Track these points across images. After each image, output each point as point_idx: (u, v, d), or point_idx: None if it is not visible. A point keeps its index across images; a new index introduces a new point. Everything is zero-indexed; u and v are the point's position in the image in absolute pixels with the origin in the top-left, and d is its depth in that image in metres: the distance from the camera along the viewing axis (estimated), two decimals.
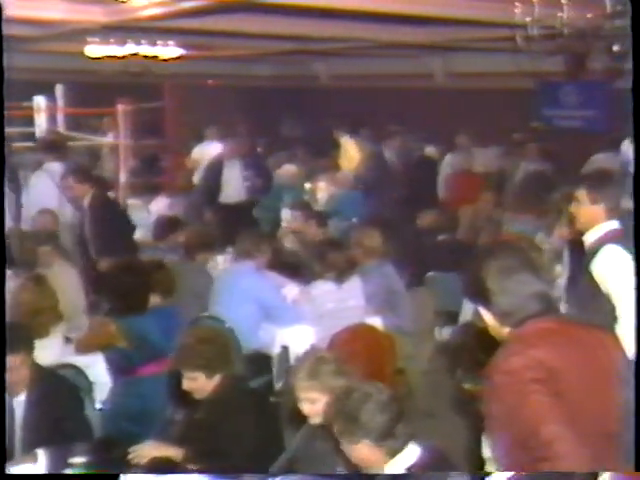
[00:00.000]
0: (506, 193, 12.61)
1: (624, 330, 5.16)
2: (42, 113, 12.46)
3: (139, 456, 4.78)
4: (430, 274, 8.91)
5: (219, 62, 17.89)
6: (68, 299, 7.01)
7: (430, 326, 8.31)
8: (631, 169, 11.53)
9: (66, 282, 7.40)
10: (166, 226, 9.47)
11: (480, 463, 3.44)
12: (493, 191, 11.64)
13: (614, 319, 5.20)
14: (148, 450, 4.85)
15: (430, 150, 14.28)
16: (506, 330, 3.31)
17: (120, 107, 12.24)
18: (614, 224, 5.39)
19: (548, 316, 3.29)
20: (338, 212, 11.07)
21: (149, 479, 4.38)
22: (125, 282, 6.49)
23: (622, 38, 7.46)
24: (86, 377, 5.83)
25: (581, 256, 5.62)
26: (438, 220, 10.43)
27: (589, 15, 7.48)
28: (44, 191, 9.58)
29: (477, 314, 3.39)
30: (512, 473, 3.05)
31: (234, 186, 12.24)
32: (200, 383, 4.99)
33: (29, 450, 4.82)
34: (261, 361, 7.04)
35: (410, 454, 3.83)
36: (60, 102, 12.97)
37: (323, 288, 7.41)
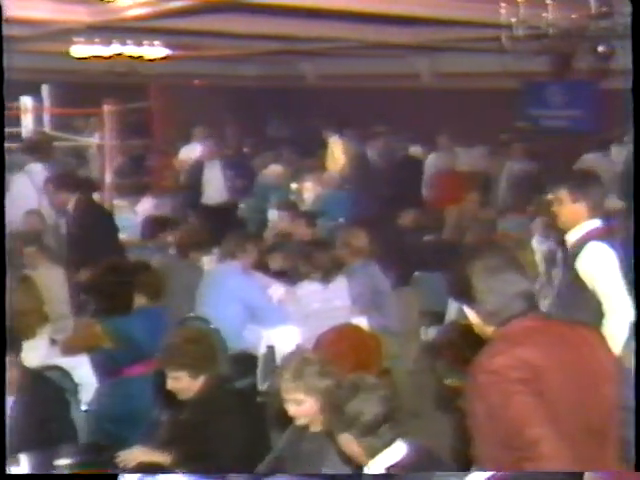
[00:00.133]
0: (494, 193, 12.67)
1: (611, 326, 5.23)
2: (29, 113, 12.43)
3: (126, 460, 4.78)
4: (416, 274, 8.93)
5: (205, 62, 17.86)
6: (54, 300, 7.00)
7: (416, 326, 8.32)
8: (618, 169, 11.65)
9: (52, 283, 7.38)
10: (155, 226, 9.47)
11: (466, 462, 3.45)
12: (479, 191, 11.67)
13: (600, 315, 5.26)
14: (135, 455, 4.85)
15: (416, 150, 14.30)
16: (491, 329, 3.32)
17: (106, 107, 12.20)
18: (596, 222, 5.46)
19: (533, 315, 3.30)
20: (324, 212, 11.07)
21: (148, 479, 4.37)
22: (110, 283, 6.47)
23: (607, 39, 7.50)
24: (72, 379, 5.82)
25: (565, 255, 5.67)
26: (424, 220, 10.46)
27: (574, 16, 7.50)
28: (24, 193, 9.54)
29: (462, 313, 3.40)
30: (492, 472, 3.05)
31: (215, 187, 12.23)
32: (184, 383, 4.99)
33: (15, 452, 4.81)
34: (247, 361, 7.04)
35: (396, 452, 3.84)
36: (46, 102, 12.95)
37: (309, 288, 7.42)
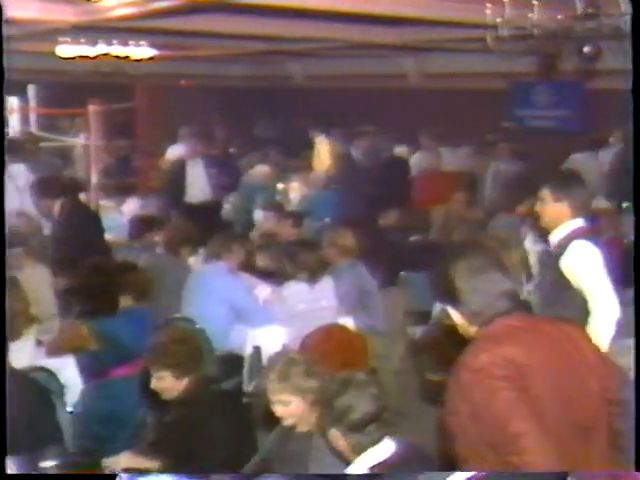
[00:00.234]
0: (481, 193, 12.69)
1: (597, 324, 5.27)
2: (14, 114, 12.40)
3: (113, 466, 4.77)
4: (402, 274, 8.94)
5: (192, 62, 17.83)
6: (40, 301, 6.98)
7: (402, 326, 8.33)
8: (605, 170, 11.66)
9: (37, 284, 7.36)
10: (141, 225, 9.47)
11: (452, 461, 3.45)
12: (465, 191, 11.69)
13: (586, 314, 5.29)
14: (122, 461, 4.83)
15: (402, 150, 14.30)
16: (474, 329, 3.33)
17: (91, 107, 12.18)
18: (579, 222, 5.51)
19: (517, 314, 3.31)
20: (311, 212, 11.08)
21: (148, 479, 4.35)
22: (95, 283, 6.46)
23: (593, 39, 7.52)
24: (57, 380, 5.80)
25: (550, 254, 5.72)
26: (410, 220, 10.47)
27: (560, 16, 7.52)
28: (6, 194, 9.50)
29: (446, 313, 3.40)
30: (475, 472, 3.05)
31: (198, 186, 12.20)
32: (168, 383, 4.98)
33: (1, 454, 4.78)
34: (233, 362, 7.04)
35: (384, 450, 3.85)
36: (32, 102, 12.91)
37: (295, 289, 7.42)
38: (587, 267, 5.39)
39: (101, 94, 12.62)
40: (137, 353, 5.82)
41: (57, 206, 8.78)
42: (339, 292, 7.58)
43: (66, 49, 12.46)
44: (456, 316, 3.37)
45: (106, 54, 12.59)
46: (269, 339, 7.16)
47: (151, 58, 13.23)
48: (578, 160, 12.51)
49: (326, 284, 7.51)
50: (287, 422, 4.57)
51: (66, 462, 4.66)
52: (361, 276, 7.85)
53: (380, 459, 3.82)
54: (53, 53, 12.68)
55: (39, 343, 6.44)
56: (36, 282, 7.38)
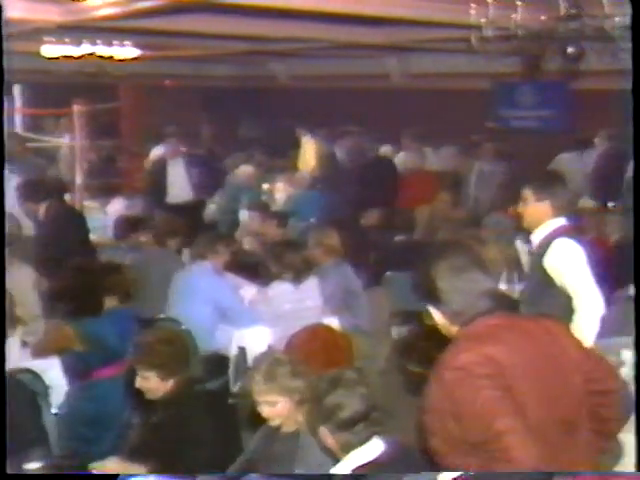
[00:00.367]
0: (465, 193, 12.73)
1: (581, 321, 5.30)
2: None
3: (100, 469, 4.76)
4: (387, 274, 8.94)
5: (176, 62, 17.80)
6: (25, 302, 6.96)
7: (387, 326, 8.33)
8: (589, 170, 11.66)
9: (23, 285, 7.34)
10: (127, 226, 9.47)
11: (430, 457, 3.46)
12: (449, 191, 11.72)
13: (570, 311, 5.33)
14: (109, 467, 4.82)
15: (386, 150, 14.32)
16: (456, 328, 3.33)
17: (76, 108, 12.15)
18: (562, 221, 5.55)
19: (498, 313, 3.32)
20: (296, 212, 11.08)
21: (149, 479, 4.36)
22: (80, 284, 6.46)
23: (576, 40, 7.55)
24: (43, 382, 5.79)
25: (532, 253, 5.77)
26: (394, 220, 10.48)
27: (543, 17, 7.54)
28: None
29: (427, 313, 3.41)
30: (461, 472, 3.06)
31: (179, 185, 12.16)
32: (153, 383, 4.97)
33: None
34: (218, 362, 7.03)
35: (372, 449, 3.85)
36: (18, 103, 12.87)
37: (280, 289, 7.42)
38: (570, 264, 5.44)
39: (85, 94, 12.59)
40: (122, 354, 5.82)
41: (42, 208, 8.77)
42: (324, 292, 7.59)
43: (51, 49, 12.42)
44: (437, 316, 3.38)
45: (90, 54, 12.57)
46: (254, 339, 7.17)
47: (135, 58, 13.21)
48: (564, 160, 12.59)
49: (311, 284, 7.52)
50: (274, 423, 4.58)
51: (51, 464, 4.65)
52: (346, 276, 7.86)
53: (369, 458, 3.82)
54: (38, 53, 12.64)
55: (24, 344, 6.42)
56: (21, 283, 7.36)
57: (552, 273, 5.48)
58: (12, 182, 9.50)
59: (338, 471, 3.87)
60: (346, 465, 3.85)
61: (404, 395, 6.16)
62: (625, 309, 7.25)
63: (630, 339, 6.35)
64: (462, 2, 7.96)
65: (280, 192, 12.52)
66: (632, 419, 5.01)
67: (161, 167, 12.39)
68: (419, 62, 15.73)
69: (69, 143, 12.52)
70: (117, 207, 11.71)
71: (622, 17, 7.05)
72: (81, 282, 6.48)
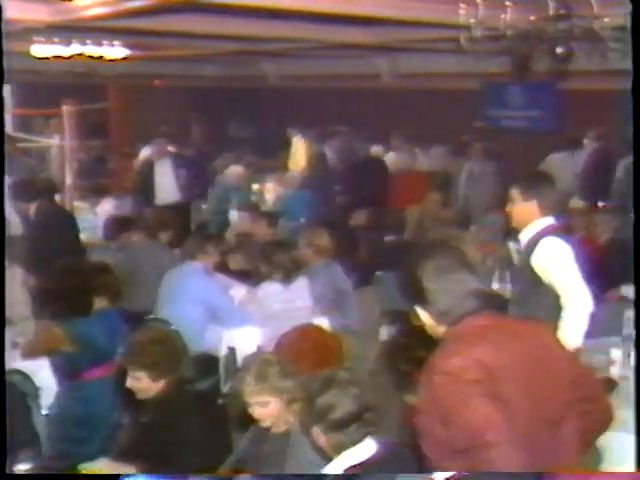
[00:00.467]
0: (454, 193, 12.75)
1: (569, 319, 5.33)
2: None
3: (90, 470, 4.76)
4: (377, 274, 8.95)
5: (165, 62, 17.80)
6: (14, 303, 6.94)
7: (377, 326, 8.34)
8: (579, 170, 11.66)
9: (12, 286, 7.32)
10: (116, 226, 9.47)
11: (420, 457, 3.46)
12: (439, 191, 11.73)
13: (558, 309, 5.35)
14: (99, 468, 4.82)
15: (377, 150, 14.34)
16: (443, 329, 3.33)
17: (65, 108, 12.13)
18: (549, 220, 5.59)
19: (486, 313, 3.31)
20: (286, 212, 11.08)
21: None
22: (69, 285, 6.44)
23: (565, 40, 7.56)
24: (33, 383, 5.78)
25: (520, 252, 5.80)
26: (385, 220, 10.50)
27: (532, 18, 7.55)
28: None
29: (415, 313, 3.40)
30: (453, 472, 3.06)
31: (166, 186, 12.15)
32: (144, 383, 4.97)
33: None
34: (208, 363, 7.03)
35: (365, 450, 3.85)
36: (8, 103, 12.83)
37: (270, 289, 7.41)
38: (557, 263, 5.48)
39: (75, 94, 12.57)
40: (111, 354, 5.82)
41: (33, 208, 8.76)
42: (314, 292, 7.59)
43: (40, 49, 12.41)
44: (425, 316, 3.37)
45: (80, 54, 12.56)
46: (244, 340, 7.16)
47: (125, 58, 13.20)
48: (554, 161, 12.62)
49: (301, 284, 7.51)
50: (265, 424, 4.58)
51: (41, 465, 4.65)
52: (336, 276, 7.86)
53: (361, 459, 3.82)
54: (27, 53, 12.62)
55: (14, 345, 6.41)
56: (11, 283, 7.33)
57: (540, 272, 5.52)
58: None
59: (330, 471, 3.87)
60: (338, 465, 3.86)
61: (394, 394, 6.17)
62: (615, 309, 7.29)
63: (619, 339, 6.41)
64: (451, 2, 7.96)
65: (270, 192, 12.53)
66: (631, 419, 5.05)
67: (148, 168, 12.38)
68: (408, 62, 15.75)
69: (59, 143, 12.49)
70: (107, 208, 11.70)
71: (611, 18, 7.08)
72: (70, 282, 6.46)
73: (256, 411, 4.56)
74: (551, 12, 7.28)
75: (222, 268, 8.07)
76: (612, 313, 7.23)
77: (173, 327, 6.64)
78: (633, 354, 6.01)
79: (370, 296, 8.41)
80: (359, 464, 3.79)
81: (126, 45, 12.90)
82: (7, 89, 12.82)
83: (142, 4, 9.08)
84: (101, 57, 12.78)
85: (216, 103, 18.74)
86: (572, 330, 5.34)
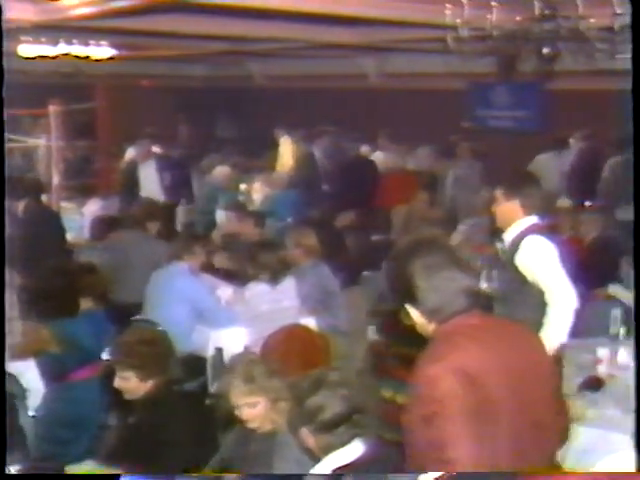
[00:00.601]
0: (442, 192, 12.77)
1: (553, 316, 5.36)
2: None
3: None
4: (365, 273, 8.96)
5: (152, 62, 17.78)
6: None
7: (365, 325, 8.34)
8: (565, 169, 11.70)
9: None
10: (103, 226, 9.46)
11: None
12: (426, 191, 11.75)
13: (543, 307, 5.38)
14: (86, 469, 4.81)
15: (366, 150, 14.35)
16: (432, 326, 3.31)
17: (52, 108, 12.10)
18: (533, 219, 5.63)
19: (474, 312, 3.30)
20: (273, 212, 11.08)
21: None
22: (56, 285, 6.43)
23: (551, 41, 7.58)
24: (20, 384, 5.76)
25: (505, 252, 5.84)
26: (372, 220, 10.52)
27: (518, 18, 7.57)
28: None
29: (405, 311, 3.39)
30: (442, 473, 3.07)
31: (150, 188, 12.10)
32: (132, 384, 4.96)
33: None
34: (195, 363, 7.02)
35: (353, 451, 3.84)
36: None
37: (257, 289, 7.41)
38: (540, 260, 5.52)
39: (62, 94, 12.54)
40: (97, 355, 5.81)
41: (21, 207, 8.75)
42: (301, 292, 7.59)
43: (27, 49, 12.37)
44: (415, 314, 3.35)
45: (67, 54, 12.53)
46: (231, 340, 7.16)
47: (111, 58, 13.18)
48: (542, 160, 12.66)
49: (288, 284, 7.51)
50: (253, 424, 4.57)
51: (29, 467, 4.64)
52: (324, 276, 7.86)
53: (349, 460, 3.81)
54: (14, 53, 12.57)
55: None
56: None
57: (524, 270, 5.56)
58: None
59: (317, 472, 3.87)
60: (326, 466, 3.86)
61: (381, 394, 6.18)
62: (601, 308, 7.32)
63: (606, 338, 6.44)
64: (438, 2, 7.97)
65: (257, 192, 12.51)
66: (619, 417, 5.07)
67: (132, 169, 12.35)
68: (395, 62, 15.77)
69: (46, 143, 12.46)
70: (93, 208, 11.68)
71: (597, 18, 7.10)
72: (57, 283, 6.45)
73: (245, 412, 4.55)
74: (537, 12, 7.31)
75: (209, 268, 8.05)
76: (599, 312, 7.26)
77: (160, 328, 6.64)
78: (620, 353, 6.06)
79: (357, 296, 8.42)
80: (347, 465, 3.79)
81: (113, 45, 12.88)
82: None
83: (129, 4, 9.07)
84: (88, 57, 12.75)
85: (203, 103, 18.73)
86: (557, 327, 5.39)
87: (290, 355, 6.36)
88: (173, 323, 6.75)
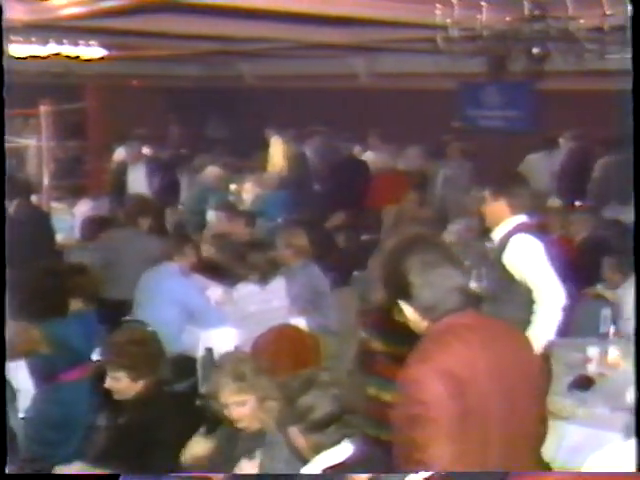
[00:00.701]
0: (432, 192, 12.78)
1: (541, 314, 5.38)
2: None
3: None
4: (355, 273, 8.97)
5: (142, 63, 17.75)
6: None
7: (355, 326, 8.34)
8: (555, 169, 11.71)
9: None
10: (94, 226, 9.45)
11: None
12: (417, 190, 11.75)
13: (531, 305, 5.41)
14: (75, 470, 4.81)
15: (356, 150, 14.36)
16: (425, 324, 3.29)
17: (42, 108, 12.07)
18: (521, 218, 5.67)
19: (467, 311, 3.29)
20: (264, 213, 11.08)
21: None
22: (46, 286, 6.42)
23: (541, 41, 7.59)
24: (11, 386, 5.75)
25: (493, 251, 5.87)
26: (362, 220, 10.52)
27: (508, 18, 7.59)
28: None
29: (398, 308, 3.38)
30: (432, 472, 3.07)
31: (139, 192, 12.06)
32: (123, 384, 4.97)
33: None
34: (185, 364, 7.02)
35: (342, 452, 3.85)
36: None
37: (246, 290, 7.41)
38: (527, 258, 5.56)
39: (52, 94, 12.51)
40: (87, 356, 5.80)
41: (12, 207, 8.74)
42: (291, 293, 7.59)
43: (18, 49, 12.33)
44: (409, 311, 3.33)
45: (57, 54, 12.50)
46: (221, 341, 7.15)
47: (102, 58, 13.16)
48: (532, 160, 12.70)
49: (278, 285, 7.51)
50: (242, 424, 4.57)
51: (16, 468, 4.62)
52: (314, 276, 7.86)
53: (337, 460, 3.82)
54: (5, 53, 12.51)
55: None
56: None
57: (511, 269, 5.59)
58: None
59: (305, 472, 3.87)
60: (314, 466, 3.86)
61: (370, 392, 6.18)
62: (591, 307, 7.34)
63: (596, 337, 6.46)
64: (428, 3, 7.98)
65: (248, 193, 12.50)
66: (608, 416, 5.08)
67: (122, 171, 12.33)
68: (385, 62, 15.77)
69: (36, 144, 12.43)
70: (84, 209, 11.65)
71: (586, 19, 7.12)
72: (47, 283, 6.44)
73: (234, 411, 4.55)
74: (527, 13, 7.32)
75: (199, 269, 8.05)
76: (588, 311, 7.28)
77: (150, 328, 6.63)
78: (610, 352, 6.08)
79: (348, 296, 8.42)
80: (336, 465, 3.79)
81: (103, 45, 12.86)
82: None
83: (119, 4, 9.05)
84: (78, 57, 12.73)
85: (193, 103, 18.72)
86: (545, 324, 5.42)
87: (280, 355, 6.37)
88: (163, 323, 6.73)
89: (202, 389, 6.86)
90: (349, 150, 14.28)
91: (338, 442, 3.86)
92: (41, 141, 12.06)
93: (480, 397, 3.09)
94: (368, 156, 13.94)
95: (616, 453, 3.02)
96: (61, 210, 11.44)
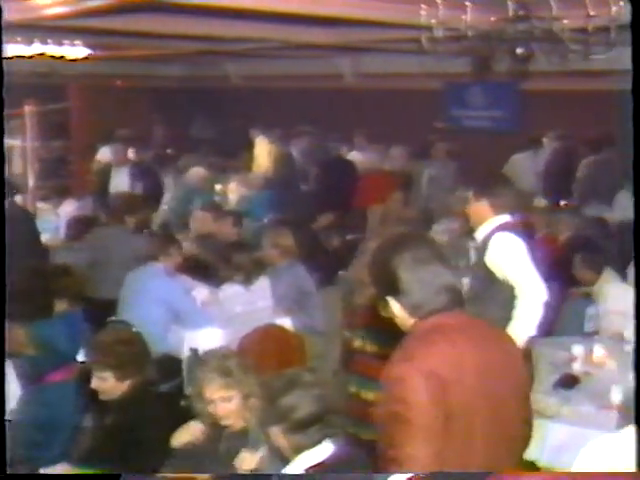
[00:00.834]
0: (417, 192, 12.81)
1: (522, 311, 5.42)
2: None
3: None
4: (340, 273, 8.97)
5: (127, 62, 17.69)
6: None
7: (340, 325, 8.35)
8: (540, 169, 11.77)
9: None
10: (79, 226, 9.44)
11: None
12: (402, 191, 11.78)
13: (513, 304, 5.43)
14: (60, 471, 4.80)
15: (341, 149, 14.37)
16: (412, 321, 3.29)
17: (27, 108, 12.04)
18: (505, 217, 5.70)
19: (455, 311, 3.29)
20: (249, 213, 11.07)
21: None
22: (31, 287, 6.40)
23: (525, 41, 7.62)
24: None
25: (476, 250, 5.91)
26: (347, 220, 10.53)
27: (492, 18, 7.60)
28: None
29: (386, 304, 3.37)
30: (413, 473, 3.07)
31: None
32: (109, 384, 4.96)
33: None
34: (170, 365, 7.02)
35: (322, 451, 3.84)
36: None
37: (230, 291, 7.42)
38: (508, 255, 5.60)
39: (37, 94, 12.48)
40: (73, 357, 5.79)
41: None
42: (277, 293, 7.60)
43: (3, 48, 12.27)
44: (396, 307, 3.32)
45: (42, 54, 12.45)
46: (207, 341, 7.14)
47: (86, 58, 13.11)
48: (517, 160, 12.74)
49: (262, 285, 7.52)
50: (227, 422, 4.57)
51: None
52: (299, 276, 7.87)
53: (318, 460, 3.82)
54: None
55: None
56: None
57: (493, 267, 5.62)
58: None
59: (287, 471, 3.87)
60: (296, 466, 3.86)
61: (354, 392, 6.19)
62: (576, 306, 7.38)
63: (581, 335, 6.50)
64: (412, 3, 7.99)
65: (233, 193, 12.50)
66: (593, 414, 5.10)
67: (106, 173, 12.30)
68: (370, 62, 15.76)
69: (21, 144, 12.39)
70: (69, 209, 11.63)
71: (570, 20, 7.15)
72: (32, 284, 6.41)
73: (219, 407, 4.54)
74: (511, 13, 7.34)
75: (184, 269, 8.04)
76: (574, 310, 7.32)
77: (135, 329, 6.62)
78: (596, 350, 6.11)
79: (333, 296, 8.42)
80: (316, 465, 3.80)
81: (87, 45, 12.81)
82: None
83: (103, 3, 9.01)
84: (62, 57, 12.68)
85: (178, 103, 18.67)
86: (526, 319, 5.45)
87: (265, 355, 6.38)
88: (148, 324, 6.73)
89: (187, 389, 6.86)
90: (335, 150, 14.27)
91: (319, 442, 3.86)
92: (26, 141, 12.04)
93: (465, 398, 3.09)
94: (354, 156, 13.94)
95: (601, 449, 3.04)
96: (46, 210, 11.42)
